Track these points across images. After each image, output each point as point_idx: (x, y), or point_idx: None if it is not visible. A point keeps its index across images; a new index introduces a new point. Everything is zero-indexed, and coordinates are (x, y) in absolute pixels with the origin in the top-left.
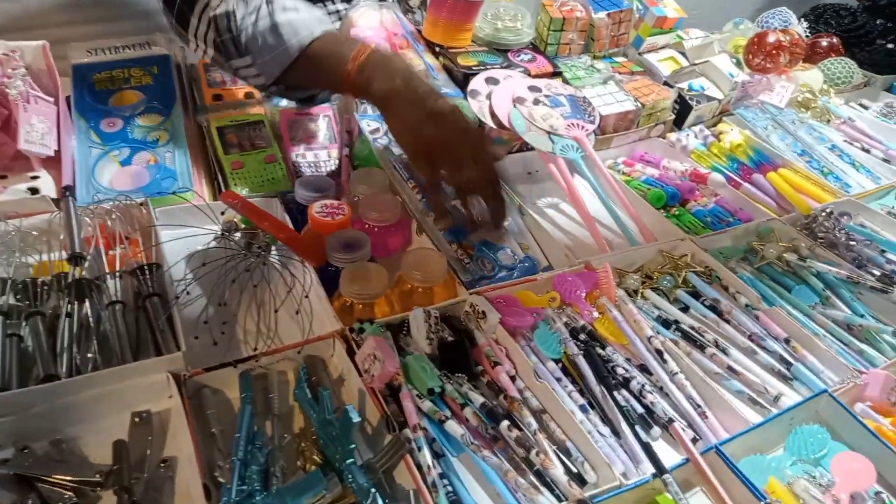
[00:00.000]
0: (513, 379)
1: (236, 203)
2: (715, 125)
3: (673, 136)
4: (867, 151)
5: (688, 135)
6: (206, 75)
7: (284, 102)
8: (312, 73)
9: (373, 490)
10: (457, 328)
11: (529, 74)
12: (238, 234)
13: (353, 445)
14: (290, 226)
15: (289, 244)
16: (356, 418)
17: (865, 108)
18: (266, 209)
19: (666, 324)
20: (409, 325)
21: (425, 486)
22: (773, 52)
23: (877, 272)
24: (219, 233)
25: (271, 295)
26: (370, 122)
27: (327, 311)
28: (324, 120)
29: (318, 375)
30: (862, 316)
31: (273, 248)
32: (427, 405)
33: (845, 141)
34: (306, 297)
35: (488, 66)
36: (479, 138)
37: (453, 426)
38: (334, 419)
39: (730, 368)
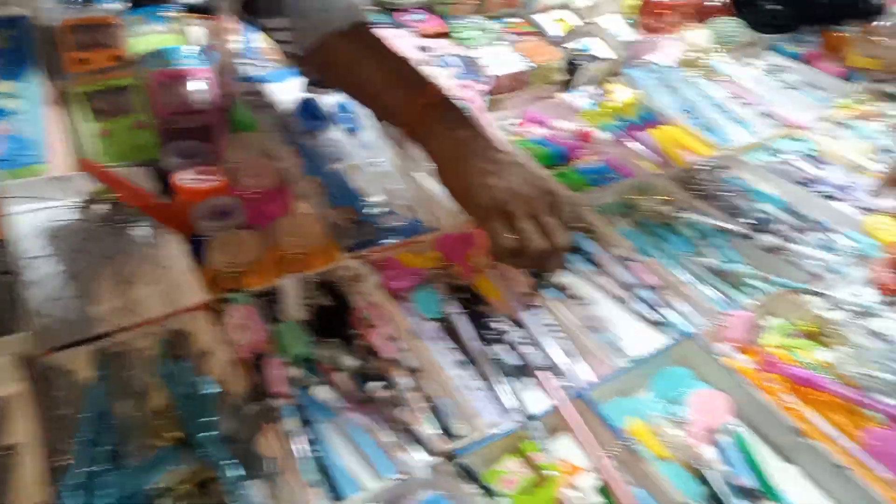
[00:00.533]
0: (392, 340)
1: (95, 172)
2: (606, 84)
3: (563, 95)
4: (748, 107)
5: (578, 94)
6: (72, 37)
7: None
8: (361, 73)
9: (231, 461)
10: (336, 293)
11: (421, 35)
12: (100, 206)
13: (212, 418)
14: (156, 195)
15: (152, 213)
16: (214, 389)
17: (751, 66)
18: (135, 178)
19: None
20: (280, 292)
21: (291, 452)
22: (662, 12)
23: (747, 221)
24: (79, 205)
25: (133, 268)
26: (247, 83)
27: (195, 283)
28: (200, 83)
29: (185, 349)
30: (732, 262)
31: (137, 218)
32: (296, 372)
33: (729, 98)
34: (165, 267)
35: (377, 26)
36: (558, 194)
37: (321, 391)
38: (193, 392)
39: (596, 319)
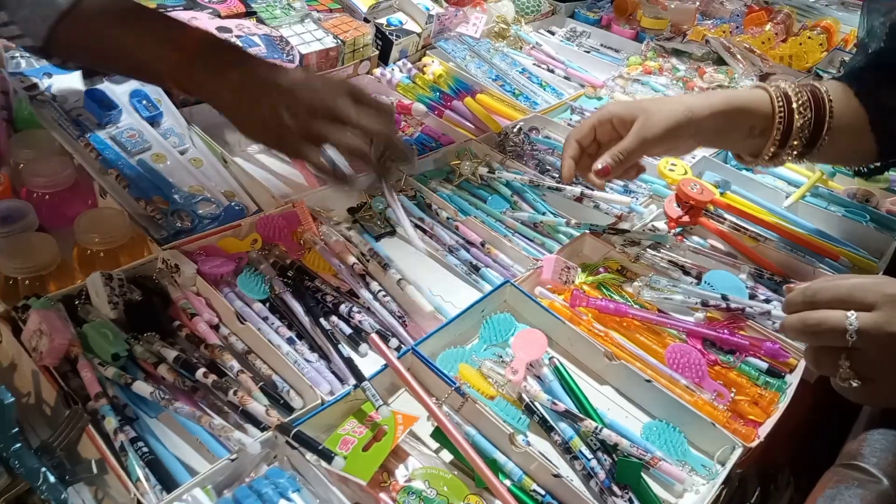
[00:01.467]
0: (217, 328)
1: None
2: (420, 59)
3: (378, 71)
4: (552, 72)
5: (392, 69)
6: None
7: None
8: (104, 42)
9: (43, 469)
10: (150, 288)
11: (219, 16)
12: None
13: (14, 430)
14: None
15: None
16: (7, 399)
17: (553, 33)
18: None
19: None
20: (88, 292)
21: (113, 452)
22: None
23: (556, 175)
24: None
25: None
26: (24, 77)
27: None
28: None
29: None
30: (544, 213)
31: None
32: (112, 371)
33: (535, 64)
34: None
35: (168, 9)
36: (344, 85)
37: (141, 386)
38: None
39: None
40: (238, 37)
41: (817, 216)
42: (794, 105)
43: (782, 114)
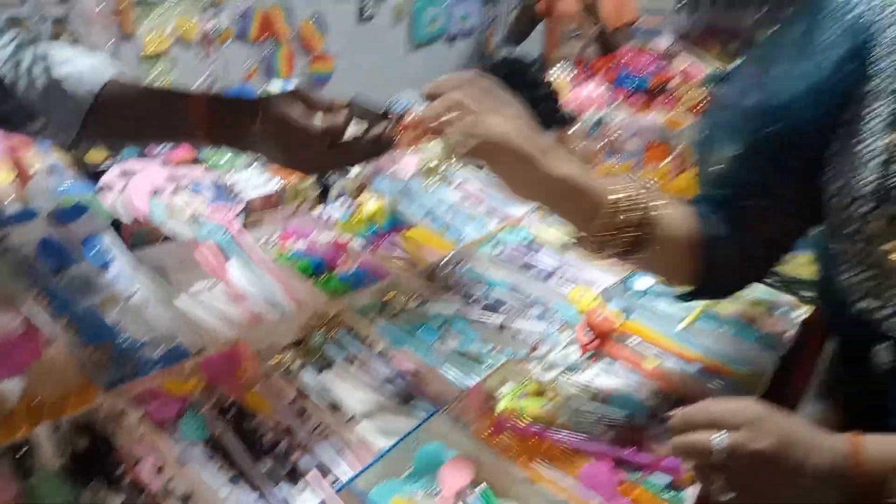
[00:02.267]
0: (161, 471)
1: None
2: (357, 197)
3: (318, 210)
4: (478, 207)
5: (331, 208)
6: None
7: None
8: (126, 122)
9: None
10: (95, 434)
11: (168, 163)
12: None
13: None
14: None
15: None
16: None
17: (480, 167)
18: None
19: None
20: (33, 443)
21: None
22: (400, 129)
23: (482, 305)
24: None
25: None
26: None
27: None
28: None
29: None
30: (471, 342)
31: None
32: None
33: (462, 200)
34: None
35: (122, 160)
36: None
37: None
38: None
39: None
40: (188, 184)
41: (710, 336)
42: (628, 205)
43: (614, 209)
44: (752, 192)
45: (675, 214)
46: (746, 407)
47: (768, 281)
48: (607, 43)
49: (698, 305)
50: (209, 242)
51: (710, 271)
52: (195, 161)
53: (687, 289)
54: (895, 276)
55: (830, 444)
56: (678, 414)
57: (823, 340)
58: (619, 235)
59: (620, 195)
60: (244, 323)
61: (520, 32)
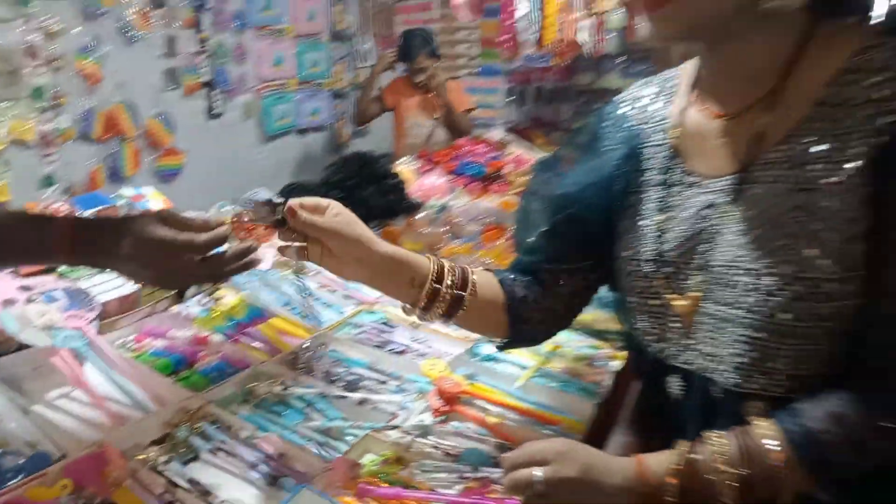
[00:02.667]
0: None
1: None
2: (214, 293)
3: (176, 308)
4: (334, 292)
5: (189, 304)
6: None
7: None
8: None
9: None
10: None
11: (19, 274)
12: None
13: None
14: None
15: None
16: None
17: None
18: None
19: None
20: None
21: None
22: (252, 228)
23: (342, 383)
24: None
25: None
26: None
27: None
28: None
29: None
30: (333, 420)
31: None
32: None
33: (320, 287)
34: None
35: None
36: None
37: None
38: None
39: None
40: (41, 293)
41: (542, 391)
42: (445, 273)
43: (434, 276)
44: (556, 260)
45: (485, 280)
46: (553, 444)
47: (587, 332)
48: (454, 126)
49: (533, 365)
50: (65, 349)
51: (518, 325)
52: (47, 270)
53: (503, 340)
54: (675, 321)
55: (621, 465)
56: (507, 456)
57: (629, 382)
58: (440, 300)
59: (441, 265)
60: (107, 424)
61: (365, 123)
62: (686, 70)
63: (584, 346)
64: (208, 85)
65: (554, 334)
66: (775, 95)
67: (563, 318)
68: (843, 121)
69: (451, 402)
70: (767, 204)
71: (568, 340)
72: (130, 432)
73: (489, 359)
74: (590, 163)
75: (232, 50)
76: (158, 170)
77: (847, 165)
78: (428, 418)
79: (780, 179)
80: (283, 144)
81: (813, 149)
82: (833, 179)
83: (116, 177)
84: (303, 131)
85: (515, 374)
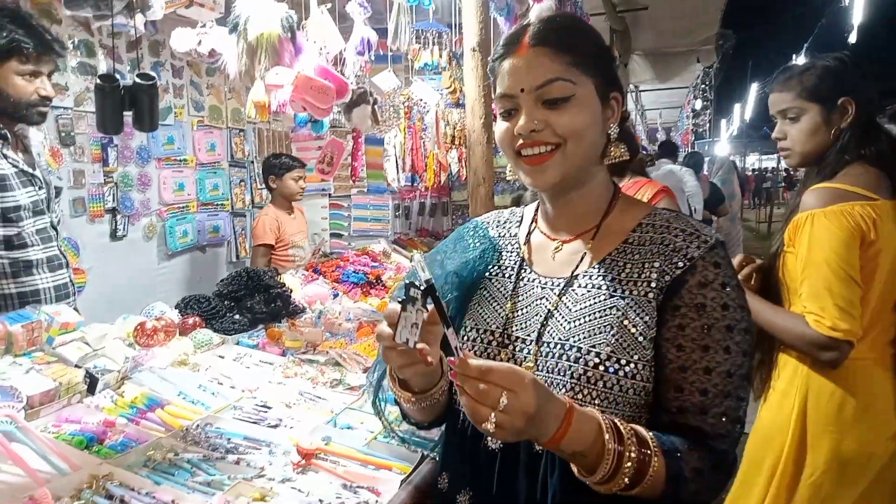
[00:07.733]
0: None
1: None
2: (120, 387)
3: (88, 399)
4: (221, 384)
5: (99, 396)
6: None
7: None
8: None
9: None
10: None
11: None
12: None
13: None
14: None
15: None
16: None
17: (222, 357)
18: None
19: None
20: None
21: None
22: (153, 333)
23: (223, 449)
24: None
25: None
26: None
27: None
28: None
29: None
30: (214, 474)
31: None
32: None
33: (210, 380)
34: None
35: None
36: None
37: None
38: None
39: None
40: None
41: (384, 447)
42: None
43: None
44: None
45: None
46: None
47: None
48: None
49: (378, 429)
50: None
51: None
52: None
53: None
54: None
55: (558, 402)
56: (473, 363)
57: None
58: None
59: None
60: (33, 485)
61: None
62: (531, 206)
63: None
64: (113, 211)
65: None
66: (596, 231)
67: None
68: (643, 256)
69: (308, 459)
70: (588, 302)
71: None
72: (53, 489)
73: (346, 427)
74: (462, 254)
75: (136, 179)
76: None
77: (643, 285)
78: (289, 471)
79: (597, 286)
80: (183, 261)
81: (620, 273)
82: (634, 293)
83: None
84: (202, 248)
85: (365, 436)
